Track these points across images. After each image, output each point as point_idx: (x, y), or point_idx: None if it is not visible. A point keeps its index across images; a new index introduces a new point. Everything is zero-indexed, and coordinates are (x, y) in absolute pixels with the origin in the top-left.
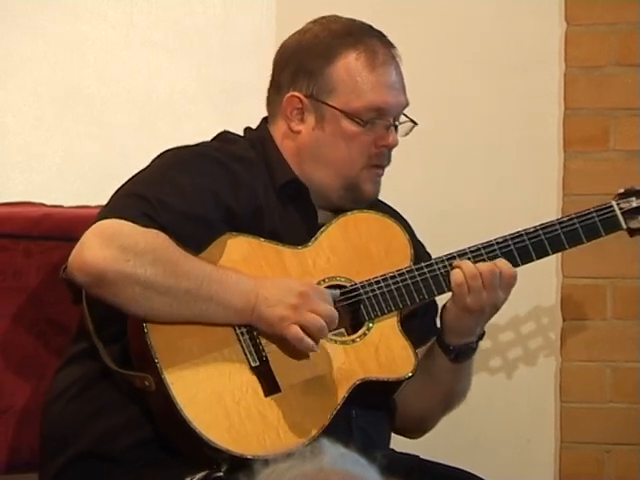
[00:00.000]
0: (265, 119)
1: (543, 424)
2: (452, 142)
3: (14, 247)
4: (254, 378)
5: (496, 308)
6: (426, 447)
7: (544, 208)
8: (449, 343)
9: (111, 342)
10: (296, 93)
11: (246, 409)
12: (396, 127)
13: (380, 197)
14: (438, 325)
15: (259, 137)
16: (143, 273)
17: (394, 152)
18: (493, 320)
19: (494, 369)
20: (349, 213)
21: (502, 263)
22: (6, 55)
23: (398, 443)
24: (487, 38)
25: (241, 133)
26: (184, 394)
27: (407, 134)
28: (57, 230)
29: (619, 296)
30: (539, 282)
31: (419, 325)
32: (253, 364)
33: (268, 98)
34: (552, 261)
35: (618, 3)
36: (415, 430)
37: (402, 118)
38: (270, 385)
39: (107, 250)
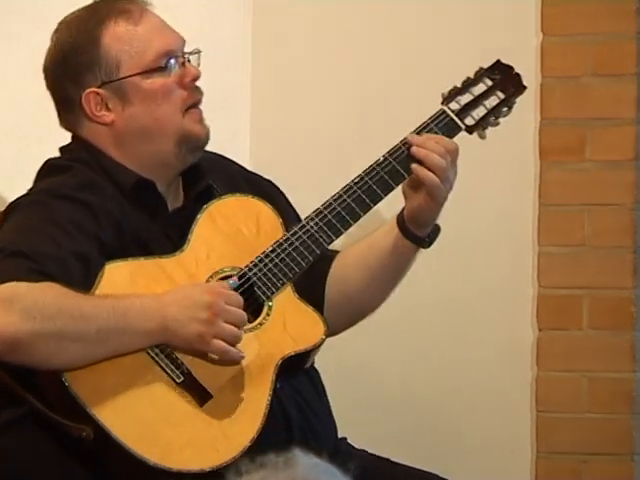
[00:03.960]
0: (74, 135)
1: (519, 434)
2: None
3: None
4: (184, 393)
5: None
6: (399, 458)
7: (521, 218)
8: (422, 235)
9: (32, 390)
10: (89, 90)
11: (190, 425)
12: (189, 61)
13: None
14: (396, 223)
15: (86, 151)
16: (52, 326)
17: None
18: (469, 329)
19: (470, 378)
20: (209, 204)
21: (442, 140)
22: None
23: (373, 445)
24: (463, 49)
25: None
26: (127, 433)
27: (199, 64)
28: None
29: (595, 306)
30: (515, 292)
31: (313, 269)
32: (178, 380)
33: (63, 119)
34: (528, 271)
35: (594, 14)
36: (355, 321)
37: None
38: (201, 394)
39: (11, 315)
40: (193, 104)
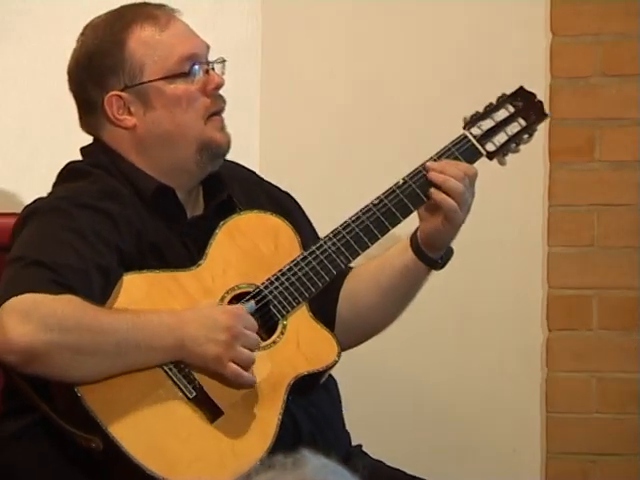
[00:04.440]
0: (95, 138)
1: (529, 434)
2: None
3: (1, 259)
4: (196, 409)
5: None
6: (412, 457)
7: (530, 218)
8: (435, 257)
9: (46, 397)
10: (112, 93)
11: (199, 441)
12: (213, 69)
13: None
14: (409, 243)
15: (106, 156)
16: (70, 339)
17: (387, 167)
18: (479, 330)
19: (480, 379)
20: (228, 220)
21: (461, 165)
22: None
23: (383, 456)
24: (473, 49)
25: None
26: (136, 447)
27: (223, 73)
28: None
29: (605, 307)
30: (525, 292)
31: (325, 295)
32: (190, 396)
33: (84, 122)
34: (538, 272)
35: (603, 14)
36: (365, 339)
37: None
38: (212, 410)
39: (29, 325)
40: (215, 112)
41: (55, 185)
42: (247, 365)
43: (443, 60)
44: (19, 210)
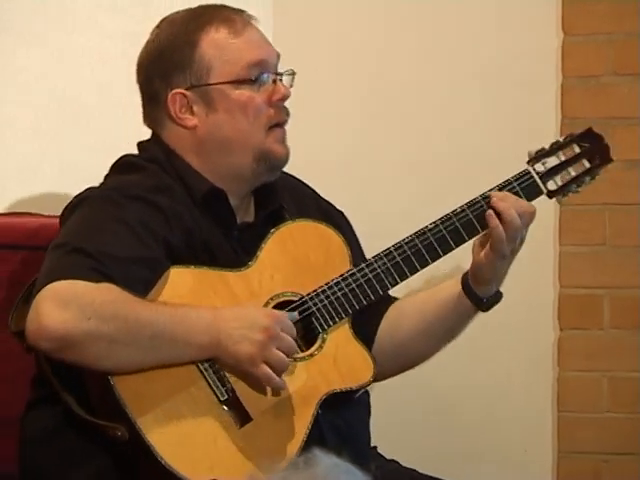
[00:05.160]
0: (154, 133)
1: (540, 434)
2: (450, 154)
3: (12, 258)
4: (225, 412)
5: (521, 245)
6: (422, 457)
7: (541, 217)
8: (482, 295)
9: (70, 389)
10: (176, 91)
11: (224, 444)
12: (281, 80)
13: (384, 206)
14: (460, 278)
15: (163, 153)
16: (106, 328)
17: (399, 168)
18: (490, 330)
19: (491, 379)
20: (282, 225)
21: (522, 201)
22: (2, 66)
23: (397, 455)
24: (484, 49)
25: None
26: (161, 440)
27: (292, 85)
28: None
29: (616, 306)
30: (536, 292)
31: (369, 309)
32: (222, 398)
33: (147, 114)
34: (549, 271)
35: (615, 13)
36: (402, 370)
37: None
38: (242, 416)
39: (66, 312)
40: (278, 123)
41: (107, 177)
42: (280, 368)
43: (455, 60)
44: (31, 210)
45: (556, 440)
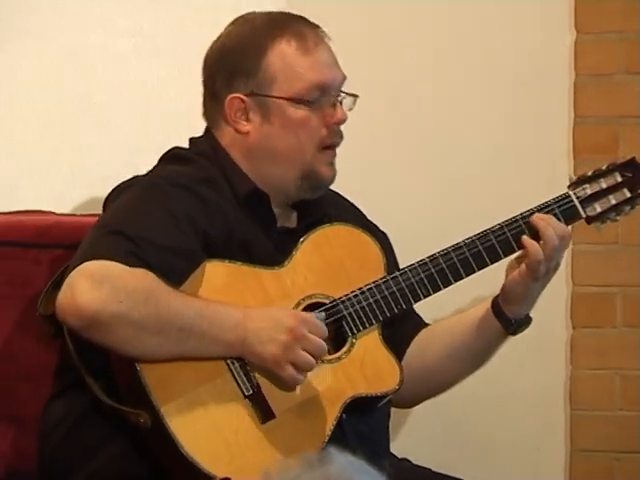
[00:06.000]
0: (208, 129)
1: (553, 432)
2: (462, 150)
3: (23, 256)
4: (249, 407)
5: (554, 272)
6: (436, 455)
7: None
8: (511, 316)
9: (96, 375)
10: (236, 95)
11: (245, 439)
12: (341, 103)
13: (388, 206)
14: (491, 300)
15: (212, 149)
16: (136, 314)
17: (409, 166)
18: None
19: (504, 376)
20: (319, 228)
21: (561, 225)
22: (15, 64)
23: (408, 454)
24: (497, 47)
25: None
26: (183, 430)
27: (351, 109)
28: (66, 238)
29: (629, 304)
30: (549, 290)
31: (399, 330)
32: (247, 393)
33: (206, 109)
34: (562, 269)
35: (627, 11)
36: (429, 395)
37: (343, 95)
38: (265, 412)
39: (99, 292)
40: (330, 145)
41: (157, 166)
42: (306, 369)
43: (468, 58)
44: (43, 208)
45: (569, 438)
